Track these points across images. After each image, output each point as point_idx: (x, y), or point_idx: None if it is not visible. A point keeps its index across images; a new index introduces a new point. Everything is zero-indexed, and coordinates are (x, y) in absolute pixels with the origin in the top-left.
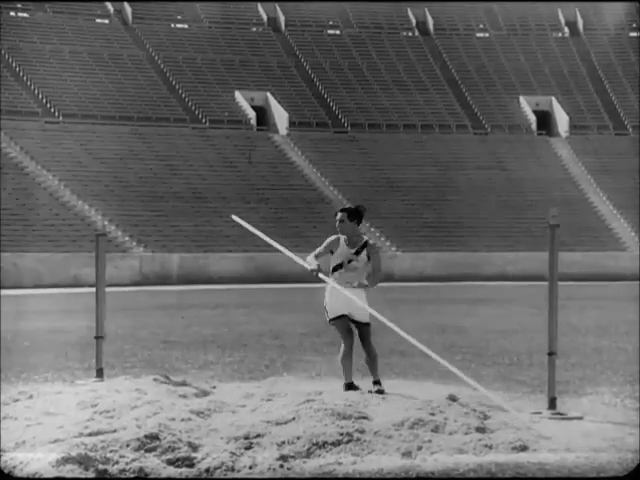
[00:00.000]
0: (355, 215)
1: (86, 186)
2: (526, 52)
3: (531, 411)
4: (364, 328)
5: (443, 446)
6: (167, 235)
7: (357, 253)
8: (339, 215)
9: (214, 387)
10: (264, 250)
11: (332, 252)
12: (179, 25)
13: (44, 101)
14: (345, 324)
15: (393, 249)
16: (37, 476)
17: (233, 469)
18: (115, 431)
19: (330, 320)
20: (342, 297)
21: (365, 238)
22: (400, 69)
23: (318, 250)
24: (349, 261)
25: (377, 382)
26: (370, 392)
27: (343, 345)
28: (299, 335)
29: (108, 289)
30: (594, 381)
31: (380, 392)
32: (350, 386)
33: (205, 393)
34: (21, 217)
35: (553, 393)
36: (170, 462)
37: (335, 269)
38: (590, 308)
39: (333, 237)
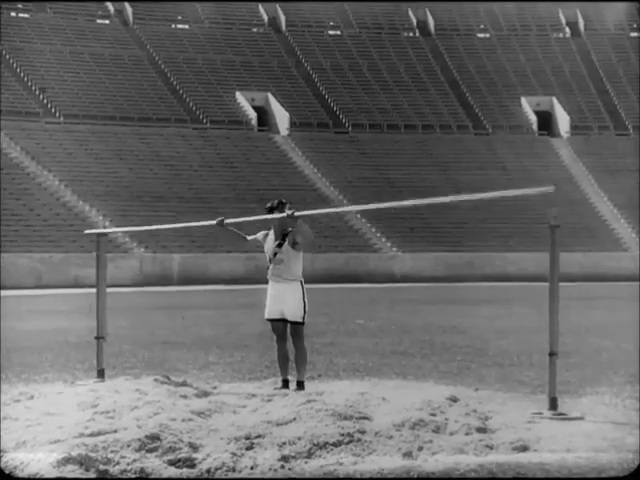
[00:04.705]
0: (282, 208)
1: (86, 186)
2: (527, 52)
3: (532, 411)
4: (294, 327)
5: (444, 446)
6: (168, 235)
7: (280, 245)
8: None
9: (215, 387)
10: (264, 250)
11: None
12: (180, 26)
13: (44, 101)
14: (277, 327)
15: (393, 249)
16: (38, 476)
17: (234, 469)
18: (116, 431)
19: (266, 319)
20: (275, 295)
21: (290, 229)
22: (401, 69)
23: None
24: (274, 254)
25: (300, 383)
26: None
27: (277, 345)
28: None
29: (108, 289)
30: (594, 381)
31: None
32: (285, 383)
33: (206, 393)
34: (21, 217)
35: (554, 393)
36: (171, 463)
37: (268, 266)
38: (590, 308)
39: (264, 231)
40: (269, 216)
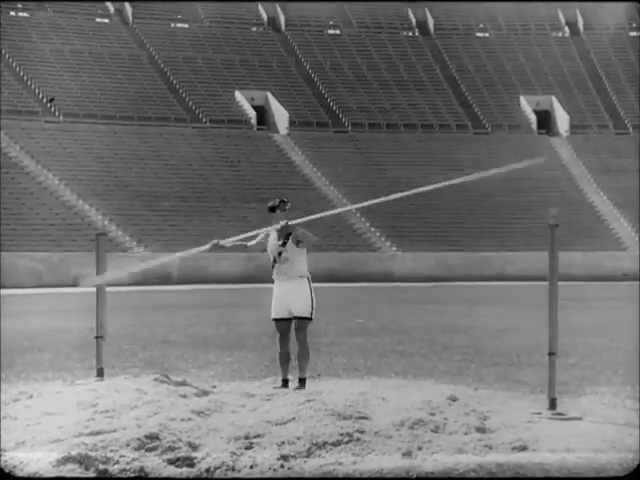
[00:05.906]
0: (283, 207)
1: (86, 186)
2: (526, 52)
3: (531, 411)
4: (300, 322)
5: (443, 446)
6: (167, 235)
7: (284, 244)
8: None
9: (214, 387)
10: (264, 250)
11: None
12: (179, 25)
13: (44, 101)
14: (282, 326)
15: (393, 249)
16: (37, 476)
17: (233, 469)
18: (115, 431)
19: (272, 319)
20: (282, 293)
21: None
22: (400, 69)
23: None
24: (279, 253)
25: (302, 380)
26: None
27: (279, 344)
28: None
29: (108, 289)
30: (594, 381)
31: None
32: (285, 383)
33: (205, 393)
34: (21, 217)
35: (553, 394)
36: (170, 462)
37: (273, 266)
38: (590, 308)
39: (263, 229)
40: (263, 230)
